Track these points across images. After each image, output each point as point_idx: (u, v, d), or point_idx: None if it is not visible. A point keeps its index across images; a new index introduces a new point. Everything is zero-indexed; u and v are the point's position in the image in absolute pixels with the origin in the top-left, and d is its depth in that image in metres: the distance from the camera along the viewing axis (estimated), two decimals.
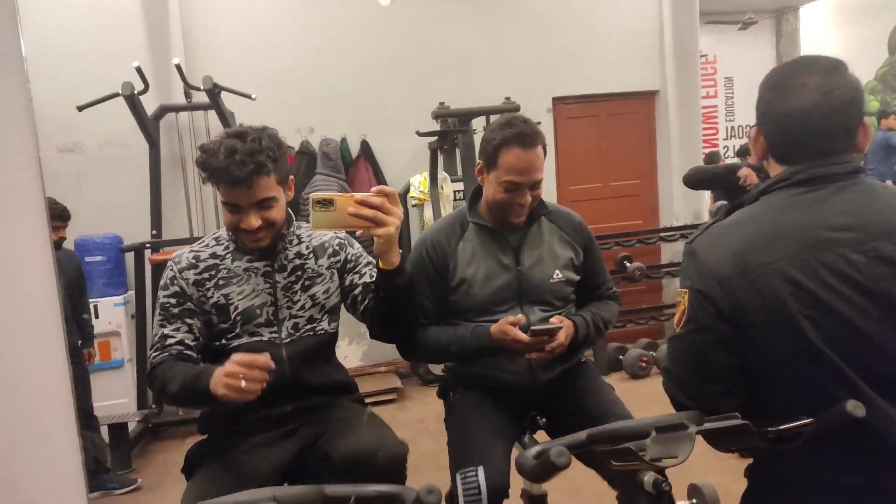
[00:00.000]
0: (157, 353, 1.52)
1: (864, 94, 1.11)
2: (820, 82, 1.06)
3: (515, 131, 1.63)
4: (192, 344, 1.54)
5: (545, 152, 1.68)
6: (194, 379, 1.40)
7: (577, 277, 1.81)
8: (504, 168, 1.64)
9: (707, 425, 0.94)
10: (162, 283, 1.57)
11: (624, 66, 5.17)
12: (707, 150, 5.70)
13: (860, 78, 1.10)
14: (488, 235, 1.75)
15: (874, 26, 8.43)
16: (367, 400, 4.00)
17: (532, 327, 1.60)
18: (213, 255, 1.58)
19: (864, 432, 0.99)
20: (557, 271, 1.76)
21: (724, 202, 4.16)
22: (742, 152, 6.32)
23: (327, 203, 1.34)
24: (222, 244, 1.60)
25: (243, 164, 1.41)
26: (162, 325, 1.54)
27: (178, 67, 3.97)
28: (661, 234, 5.05)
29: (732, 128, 8.05)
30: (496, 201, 1.68)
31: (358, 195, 1.36)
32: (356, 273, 1.65)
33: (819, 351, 1.01)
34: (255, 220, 1.47)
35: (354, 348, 4.73)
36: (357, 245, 1.71)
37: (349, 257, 1.67)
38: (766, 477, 1.15)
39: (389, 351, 4.55)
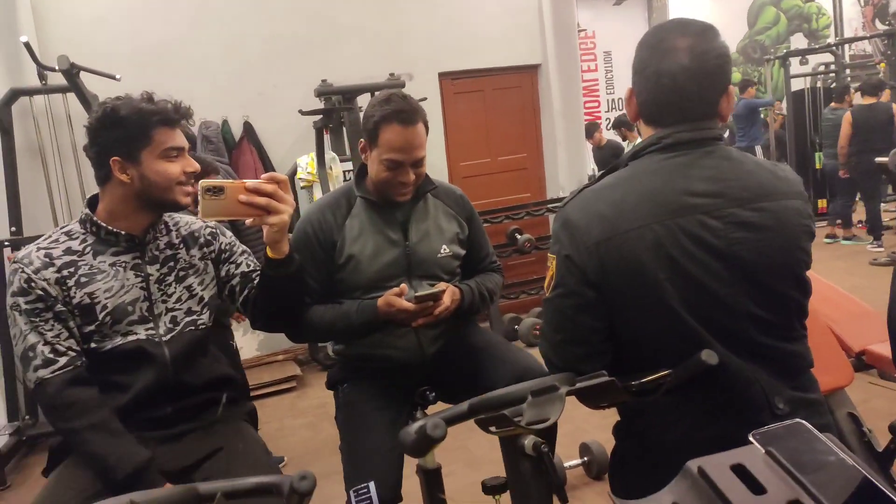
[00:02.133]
0: (54, 369, 1.36)
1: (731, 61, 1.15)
2: (691, 44, 1.08)
3: (394, 107, 1.62)
4: (79, 349, 1.41)
5: (427, 129, 1.68)
6: None
7: (463, 251, 1.83)
8: (385, 146, 1.63)
9: (577, 385, 0.98)
10: (15, 287, 1.39)
11: (507, 41, 5.24)
12: (586, 124, 5.93)
13: None
14: (375, 211, 1.74)
15: (734, 2, 9.05)
16: (267, 390, 3.96)
17: (416, 294, 1.62)
18: (69, 251, 1.44)
19: (716, 387, 1.06)
20: (444, 246, 1.77)
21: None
22: (617, 124, 6.62)
23: (217, 190, 1.31)
24: (77, 238, 1.47)
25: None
26: (39, 333, 1.37)
27: (28, 46, 3.61)
28: (549, 206, 5.20)
29: (613, 100, 8.44)
30: (380, 179, 1.67)
31: (249, 182, 1.34)
32: (232, 263, 1.60)
33: (676, 314, 1.06)
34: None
35: (249, 338, 4.57)
36: (229, 233, 1.65)
37: (223, 247, 1.60)
38: (630, 433, 1.20)
39: (286, 339, 4.44)
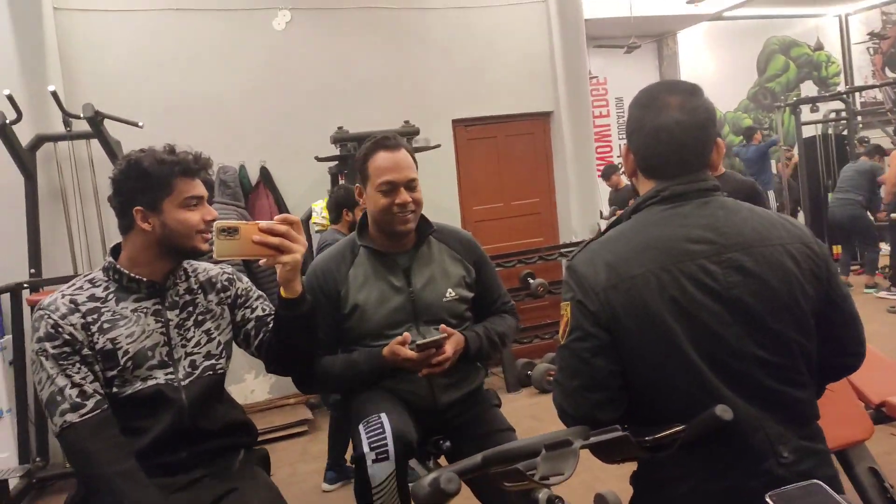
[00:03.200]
0: (83, 413, 1.37)
1: (717, 116, 1.21)
2: (681, 102, 1.16)
3: (376, 140, 1.73)
4: (104, 393, 1.43)
5: (415, 160, 1.75)
6: None
7: (471, 294, 1.83)
8: (375, 173, 1.69)
9: (591, 439, 0.97)
10: (41, 333, 1.41)
11: (520, 89, 5.33)
12: (601, 167, 5.97)
13: (736, 95, 1.19)
14: (378, 259, 1.77)
15: (744, 50, 9.19)
16: (278, 434, 3.94)
17: (416, 342, 1.62)
18: (93, 298, 1.48)
19: (728, 434, 1.05)
20: (450, 290, 1.78)
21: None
22: (606, 173, 6.58)
23: (232, 231, 1.35)
24: (100, 285, 1.51)
25: (198, 154, 1.51)
26: (67, 375, 1.39)
27: (55, 94, 3.74)
28: (561, 251, 5.20)
29: (625, 145, 8.49)
30: (378, 209, 1.70)
31: (262, 223, 1.38)
32: (247, 307, 1.63)
33: (683, 354, 1.08)
34: (213, 210, 1.52)
35: (262, 381, 4.58)
36: (245, 279, 1.69)
37: (239, 292, 1.64)
38: (647, 484, 1.20)
39: None
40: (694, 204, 1.15)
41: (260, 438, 1.73)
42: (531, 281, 4.93)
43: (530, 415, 4.00)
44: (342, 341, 1.76)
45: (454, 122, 5.19)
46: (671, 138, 1.16)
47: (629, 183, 6.85)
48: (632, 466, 1.23)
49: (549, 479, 0.93)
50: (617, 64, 8.29)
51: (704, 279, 1.10)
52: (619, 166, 7.12)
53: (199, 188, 1.50)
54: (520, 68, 5.33)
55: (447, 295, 1.78)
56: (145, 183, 1.46)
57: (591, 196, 5.54)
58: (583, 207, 5.45)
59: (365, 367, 1.69)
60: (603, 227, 1.33)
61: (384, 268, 1.76)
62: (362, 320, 1.73)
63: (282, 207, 4.60)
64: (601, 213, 5.58)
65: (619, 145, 8.52)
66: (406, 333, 1.66)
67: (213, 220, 1.49)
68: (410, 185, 1.70)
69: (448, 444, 1.73)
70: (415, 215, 1.73)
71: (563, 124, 5.39)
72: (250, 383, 4.55)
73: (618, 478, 2.62)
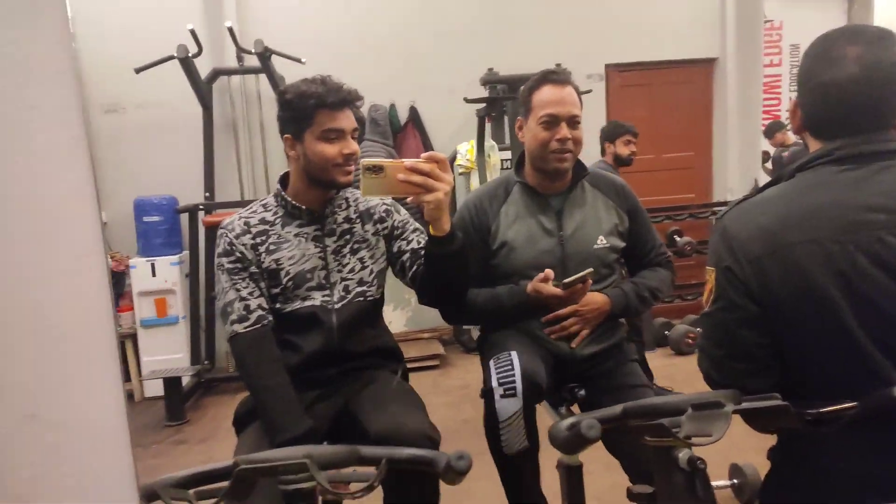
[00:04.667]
0: (246, 325, 1.51)
1: None
2: (861, 53, 1.02)
3: (543, 74, 1.72)
4: (268, 307, 1.56)
5: (580, 101, 1.72)
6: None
7: (623, 244, 1.79)
8: (539, 105, 1.68)
9: (745, 405, 0.91)
10: (220, 250, 1.58)
11: (682, 32, 5.00)
12: (766, 121, 5.43)
13: None
14: (531, 197, 1.76)
15: None
16: (411, 365, 4.09)
17: (564, 280, 1.62)
18: (263, 221, 1.60)
19: (892, 419, 0.97)
20: (601, 237, 1.75)
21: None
22: (770, 130, 5.84)
23: (377, 169, 1.35)
24: (270, 210, 1.62)
25: (342, 87, 1.52)
26: (237, 290, 1.54)
27: (231, 31, 4.02)
28: (714, 209, 4.90)
29: (795, 98, 7.69)
30: (537, 143, 1.69)
31: (408, 161, 1.37)
32: (403, 239, 1.66)
33: (848, 333, 0.99)
34: (355, 144, 1.53)
35: (399, 314, 4.80)
36: (403, 211, 1.72)
37: (396, 224, 1.68)
38: (791, 460, 1.13)
39: (433, 317, 4.56)
40: (872, 167, 1.02)
41: None
42: (678, 238, 4.69)
43: (665, 375, 3.87)
44: (489, 277, 1.78)
45: (608, 66, 4.98)
46: (841, 96, 1.03)
47: (798, 142, 6.25)
48: (769, 440, 1.17)
49: (692, 439, 0.89)
50: (796, 5, 7.41)
51: (881, 253, 0.98)
52: (787, 123, 6.47)
53: (341, 121, 1.51)
54: (683, 9, 4.99)
55: (598, 242, 1.75)
56: (290, 113, 1.53)
57: (753, 153, 5.14)
58: (742, 165, 5.12)
59: (508, 302, 1.70)
60: (760, 185, 1.21)
61: (536, 207, 1.76)
62: (509, 258, 1.73)
63: (428, 147, 4.68)
64: (764, 165, 5.12)
65: (790, 98, 7.72)
66: (548, 270, 1.64)
67: (353, 155, 1.53)
68: (572, 122, 1.68)
69: (583, 392, 1.73)
70: (572, 155, 1.70)
71: (729, 73, 5.04)
72: (388, 314, 4.66)
73: (755, 451, 2.47)
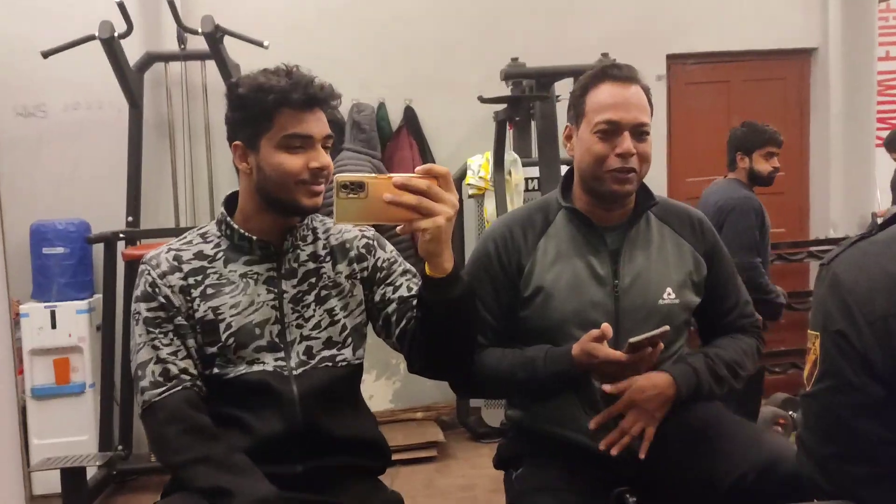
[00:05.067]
0: (162, 391, 1.50)
1: None
2: None
3: (603, 67, 1.73)
4: (197, 373, 1.55)
5: (651, 105, 1.73)
6: None
7: (698, 300, 1.81)
8: (594, 109, 1.69)
9: None
10: (139, 292, 1.57)
11: (768, 15, 5.09)
12: (888, 133, 5.44)
13: None
14: (580, 230, 1.78)
15: None
16: (399, 457, 4.07)
17: (630, 340, 1.59)
18: (200, 256, 1.59)
19: None
20: (670, 290, 1.76)
21: None
22: (892, 141, 5.77)
23: (356, 187, 1.35)
24: (211, 241, 1.62)
25: (313, 81, 1.52)
26: (154, 347, 1.53)
27: (171, 4, 4.07)
28: (811, 249, 4.95)
29: None
30: (591, 157, 1.69)
31: (397, 176, 1.37)
32: (389, 284, 1.65)
33: None
34: (326, 156, 1.54)
35: (383, 386, 4.76)
36: (389, 247, 1.72)
37: (380, 263, 1.67)
38: None
39: (430, 391, 4.56)
40: None
41: None
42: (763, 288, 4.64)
43: None
44: (514, 334, 1.78)
45: (670, 57, 5.07)
46: None
47: None
48: None
49: None
50: None
51: None
52: None
53: (309, 125, 1.52)
54: None
55: (665, 296, 1.75)
56: (243, 112, 1.53)
57: (865, 173, 5.16)
58: (850, 189, 5.13)
59: (544, 370, 1.67)
60: (880, 221, 1.22)
61: (585, 244, 1.77)
62: (545, 310, 1.73)
63: (429, 160, 4.68)
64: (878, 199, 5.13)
65: None
66: (606, 325, 1.61)
67: (322, 169, 1.52)
68: (639, 132, 1.68)
69: (634, 500, 1.71)
70: (637, 176, 1.71)
71: (832, 67, 5.12)
72: (368, 387, 4.68)
73: None
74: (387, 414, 4.60)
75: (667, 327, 1.61)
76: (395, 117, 4.74)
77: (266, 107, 1.49)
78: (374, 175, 1.39)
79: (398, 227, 1.38)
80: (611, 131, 1.67)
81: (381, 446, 1.70)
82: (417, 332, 1.55)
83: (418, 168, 1.39)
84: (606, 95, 1.68)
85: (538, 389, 1.73)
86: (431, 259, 1.43)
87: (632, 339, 1.59)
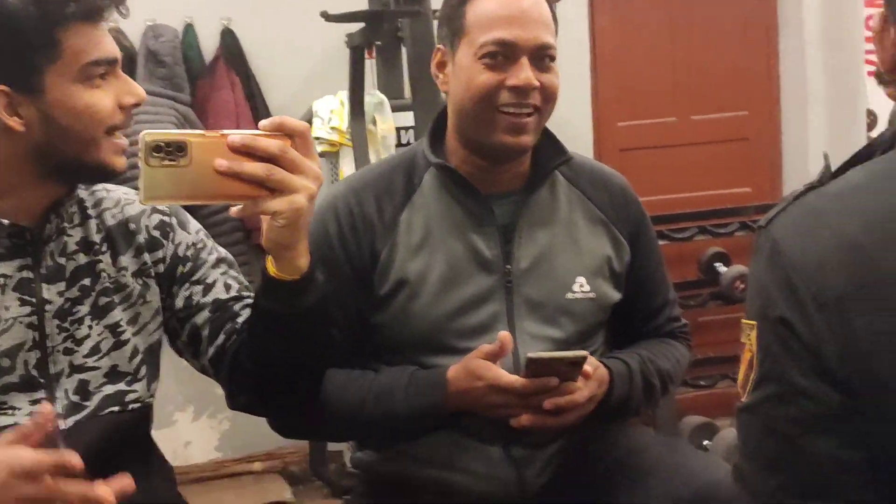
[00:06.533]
0: None
1: None
2: None
3: None
4: None
5: (555, 17, 1.78)
6: None
7: (618, 295, 1.90)
8: (478, 24, 1.73)
9: None
10: None
11: None
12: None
13: None
14: (458, 199, 1.82)
15: None
16: None
17: (529, 355, 1.63)
18: None
19: None
20: (582, 280, 1.84)
21: None
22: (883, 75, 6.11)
23: (175, 149, 1.31)
24: None
25: None
26: None
27: None
28: None
29: (881, 14, 8.17)
30: (474, 93, 1.73)
31: (234, 134, 1.33)
32: (198, 283, 1.66)
33: None
34: (139, 87, 1.54)
35: (204, 428, 4.76)
36: (194, 226, 1.72)
37: (181, 252, 1.67)
38: None
39: (271, 433, 4.40)
40: None
41: None
42: (721, 270, 4.80)
43: None
44: (366, 349, 1.84)
45: None
46: None
47: None
48: None
49: None
50: None
51: None
52: None
53: (108, 45, 1.49)
54: None
55: (575, 288, 1.82)
56: (8, 39, 1.42)
57: (853, 111, 5.31)
58: (835, 134, 5.29)
59: (405, 402, 1.72)
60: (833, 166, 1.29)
61: (466, 215, 1.82)
62: (409, 314, 1.78)
63: (258, 105, 4.68)
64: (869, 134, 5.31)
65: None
66: (503, 333, 1.67)
67: (138, 105, 1.52)
68: (540, 56, 1.73)
69: None
70: (537, 120, 1.76)
71: None
72: (184, 430, 4.70)
73: None
74: (211, 467, 4.62)
75: (585, 353, 1.66)
76: (209, 45, 4.69)
77: (50, 23, 1.41)
78: (198, 132, 1.39)
79: (235, 208, 1.37)
80: (502, 56, 1.70)
81: None
82: (243, 353, 1.57)
83: (265, 122, 1.38)
84: (495, 5, 1.73)
85: (398, 431, 1.78)
86: (281, 253, 1.42)
87: (532, 354, 1.63)
